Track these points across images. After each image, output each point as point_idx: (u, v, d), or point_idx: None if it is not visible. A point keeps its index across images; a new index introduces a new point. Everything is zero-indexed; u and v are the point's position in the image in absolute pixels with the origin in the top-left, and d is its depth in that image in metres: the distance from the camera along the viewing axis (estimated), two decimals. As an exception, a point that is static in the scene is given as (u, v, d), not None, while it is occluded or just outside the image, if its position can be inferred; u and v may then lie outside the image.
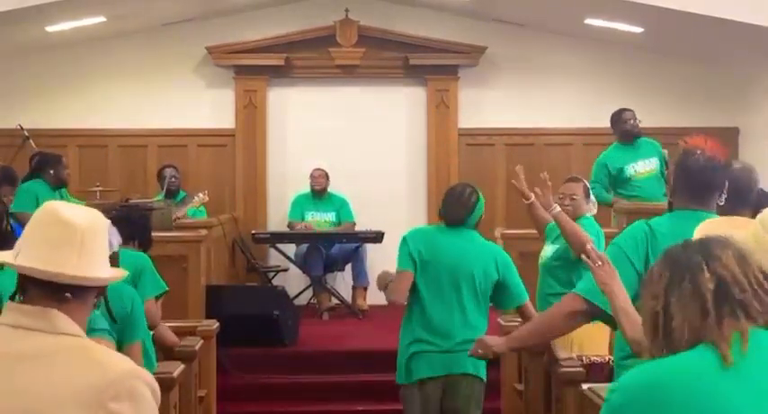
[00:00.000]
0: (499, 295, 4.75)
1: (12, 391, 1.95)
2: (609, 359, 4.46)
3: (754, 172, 3.62)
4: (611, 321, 3.44)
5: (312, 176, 9.44)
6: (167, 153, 9.79)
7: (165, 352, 4.78)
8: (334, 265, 9.23)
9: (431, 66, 9.82)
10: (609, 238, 5.01)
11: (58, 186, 7.65)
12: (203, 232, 7.11)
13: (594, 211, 5.39)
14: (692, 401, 1.80)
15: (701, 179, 3.39)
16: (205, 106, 9.92)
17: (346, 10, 9.70)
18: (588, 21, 9.17)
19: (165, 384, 3.90)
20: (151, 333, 4.54)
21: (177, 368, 4.34)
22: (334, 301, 9.06)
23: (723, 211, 3.37)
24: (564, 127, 9.91)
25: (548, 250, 5.32)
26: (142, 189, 9.46)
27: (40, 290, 2.01)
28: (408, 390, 4.71)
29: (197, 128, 9.88)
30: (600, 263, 3.17)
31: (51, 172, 7.59)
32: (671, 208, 3.50)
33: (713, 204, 3.39)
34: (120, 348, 3.80)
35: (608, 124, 8.12)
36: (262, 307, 7.41)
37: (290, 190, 9.72)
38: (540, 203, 5.33)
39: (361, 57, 9.79)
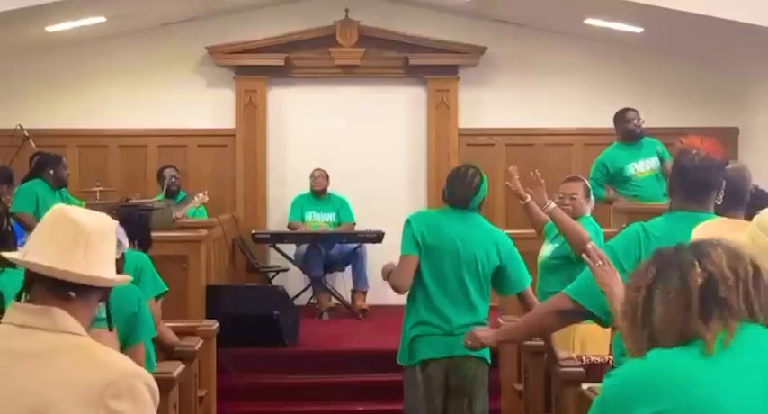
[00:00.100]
0: (500, 280, 4.74)
1: (14, 389, 1.97)
2: (609, 359, 4.46)
3: (747, 171, 3.62)
4: (601, 321, 3.46)
5: (312, 177, 9.44)
6: (167, 153, 9.80)
7: (165, 352, 4.78)
8: (334, 266, 9.24)
9: (431, 66, 9.82)
10: (608, 237, 5.02)
11: (58, 187, 7.66)
12: (203, 232, 7.11)
13: (590, 210, 5.39)
14: (678, 396, 1.81)
15: (696, 178, 3.40)
16: (205, 106, 9.92)
17: (346, 10, 9.70)
18: (588, 21, 9.17)
19: (165, 384, 3.91)
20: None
21: (177, 368, 4.34)
22: (334, 301, 9.07)
23: (719, 211, 3.37)
24: (564, 127, 9.92)
25: (546, 249, 5.33)
26: (142, 189, 9.47)
27: (45, 288, 2.05)
28: (410, 371, 4.70)
29: (197, 128, 9.88)
30: (600, 262, 3.17)
31: (51, 172, 7.59)
32: (671, 209, 3.51)
33: (710, 204, 3.39)
34: (123, 349, 3.81)
35: (608, 124, 8.10)
36: (262, 307, 7.41)
37: (290, 190, 9.72)
38: (535, 201, 5.33)
39: (361, 57, 9.79)
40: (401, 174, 10.00)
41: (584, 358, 4.59)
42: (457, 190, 4.74)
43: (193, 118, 9.86)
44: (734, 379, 1.82)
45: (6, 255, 2.20)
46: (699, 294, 1.86)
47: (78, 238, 2.07)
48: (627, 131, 7.44)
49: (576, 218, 5.19)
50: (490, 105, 9.97)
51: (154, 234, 5.21)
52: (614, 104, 9.10)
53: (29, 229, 4.64)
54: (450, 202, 4.78)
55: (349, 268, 9.24)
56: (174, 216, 7.63)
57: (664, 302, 1.88)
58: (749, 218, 2.58)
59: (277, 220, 9.88)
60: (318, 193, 9.44)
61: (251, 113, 9.89)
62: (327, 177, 9.46)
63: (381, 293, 8.31)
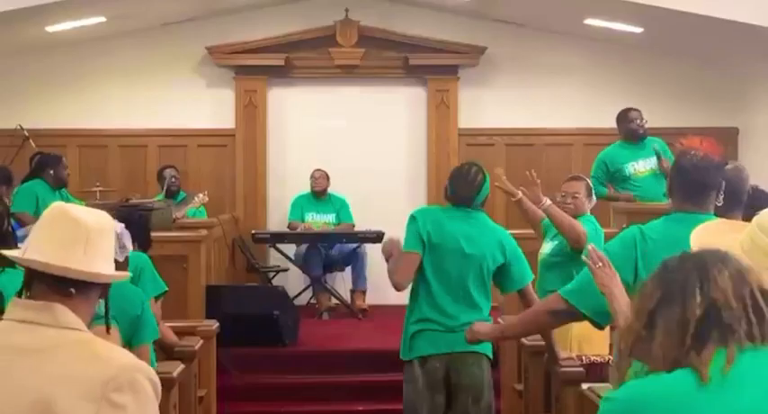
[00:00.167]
0: (502, 277, 4.74)
1: (15, 385, 1.98)
2: (609, 359, 4.47)
3: (745, 171, 3.62)
4: (595, 323, 3.46)
5: (313, 177, 9.44)
6: (167, 153, 9.80)
7: (165, 352, 4.78)
8: (333, 266, 9.24)
9: (431, 66, 9.82)
10: (608, 237, 5.03)
11: (58, 187, 7.66)
12: (203, 232, 7.11)
13: (588, 209, 5.40)
14: None
15: (695, 179, 3.39)
16: (205, 106, 9.92)
17: (346, 10, 9.70)
18: (588, 21, 9.17)
19: (165, 384, 3.89)
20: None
21: (177, 368, 4.34)
22: (334, 301, 9.07)
23: (718, 212, 3.37)
24: (564, 127, 9.92)
25: (546, 247, 5.33)
26: (142, 189, 9.47)
27: (45, 285, 2.06)
28: (410, 366, 4.69)
29: (197, 128, 9.88)
30: (600, 264, 3.17)
31: (51, 172, 7.60)
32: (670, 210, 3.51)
33: (710, 205, 3.38)
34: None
35: (608, 124, 8.10)
36: (262, 307, 7.41)
37: (290, 190, 9.72)
38: (529, 199, 5.33)
39: (361, 57, 9.79)
40: (401, 174, 10.00)
41: (584, 358, 4.59)
42: (460, 188, 4.73)
43: (193, 118, 9.86)
44: (732, 411, 1.79)
45: (6, 253, 2.21)
46: (696, 325, 1.82)
47: (78, 235, 2.08)
48: (629, 131, 7.44)
49: (577, 216, 5.19)
50: (490, 105, 9.97)
51: (154, 234, 5.21)
52: (614, 104, 9.09)
53: (29, 229, 4.64)
54: (452, 200, 4.77)
55: (349, 268, 9.24)
56: (174, 216, 7.63)
57: (664, 332, 1.85)
58: (749, 218, 2.58)
59: (277, 220, 9.88)
60: (318, 193, 9.44)
61: (251, 113, 9.89)
62: (328, 178, 9.46)
63: (381, 293, 8.32)
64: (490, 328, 4.17)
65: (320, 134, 9.92)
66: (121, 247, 3.94)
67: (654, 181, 7.28)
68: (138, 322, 4.04)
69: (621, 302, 3.04)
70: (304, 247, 9.08)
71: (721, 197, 3.39)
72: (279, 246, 9.24)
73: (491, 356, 4.74)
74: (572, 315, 3.49)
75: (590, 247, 3.31)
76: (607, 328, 4.47)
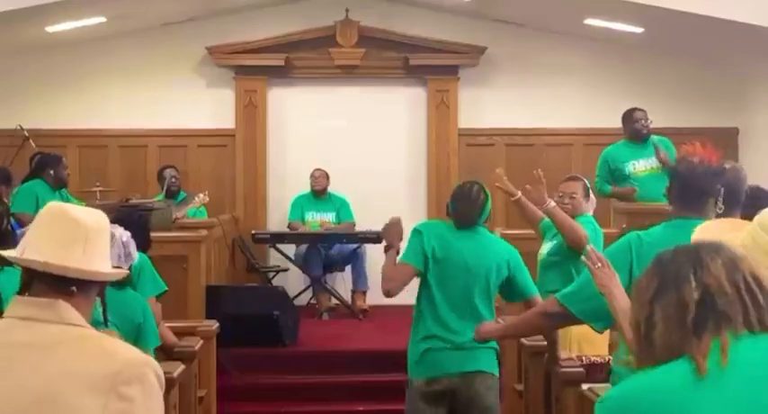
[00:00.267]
0: (507, 289, 4.74)
1: (21, 379, 2.00)
2: (609, 359, 4.47)
3: (743, 171, 3.62)
4: (592, 326, 3.47)
5: (313, 177, 9.44)
6: (167, 153, 9.80)
7: (165, 352, 4.78)
8: (333, 266, 9.24)
9: (431, 66, 9.82)
10: (608, 238, 5.03)
11: (58, 187, 7.66)
12: (203, 232, 7.11)
13: (591, 210, 5.39)
14: None
15: (692, 185, 3.40)
16: (205, 106, 9.92)
17: (346, 10, 9.70)
18: (588, 21, 9.17)
19: (165, 384, 3.90)
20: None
21: (177, 368, 4.34)
22: (334, 301, 9.07)
23: (718, 213, 3.37)
24: (564, 127, 9.92)
25: (545, 247, 5.33)
26: (142, 189, 9.47)
27: (45, 284, 2.08)
28: (418, 386, 4.68)
29: (197, 128, 9.88)
30: (599, 264, 3.17)
31: (51, 172, 7.60)
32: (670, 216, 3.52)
33: (708, 212, 3.37)
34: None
35: (608, 124, 8.11)
36: (262, 307, 7.41)
37: (289, 190, 9.72)
38: (532, 199, 5.32)
39: (361, 57, 9.79)
40: (401, 174, 10.00)
41: (584, 358, 4.59)
42: (463, 210, 4.70)
43: (193, 118, 9.86)
44: (729, 402, 1.78)
45: (4, 253, 2.21)
46: (694, 311, 1.83)
47: (77, 235, 2.10)
48: (634, 131, 7.44)
49: (575, 217, 5.19)
50: (490, 105, 9.97)
51: (154, 234, 5.21)
52: (614, 104, 9.09)
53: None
54: (455, 219, 4.76)
55: (349, 268, 9.24)
56: (174, 216, 7.63)
57: (664, 319, 1.86)
58: (749, 217, 2.58)
59: (277, 220, 9.88)
60: (318, 192, 9.44)
61: (251, 113, 9.89)
62: (327, 177, 9.46)
63: (381, 293, 8.31)
64: (494, 327, 4.28)
65: (320, 134, 9.93)
66: (127, 255, 3.95)
67: (654, 180, 7.27)
68: (140, 330, 4.07)
69: (621, 302, 3.04)
70: (304, 247, 9.08)
71: (720, 203, 3.38)
72: (279, 246, 9.24)
73: (497, 374, 4.74)
74: (566, 318, 3.51)
75: (589, 247, 3.31)
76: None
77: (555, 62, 9.91)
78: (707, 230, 2.75)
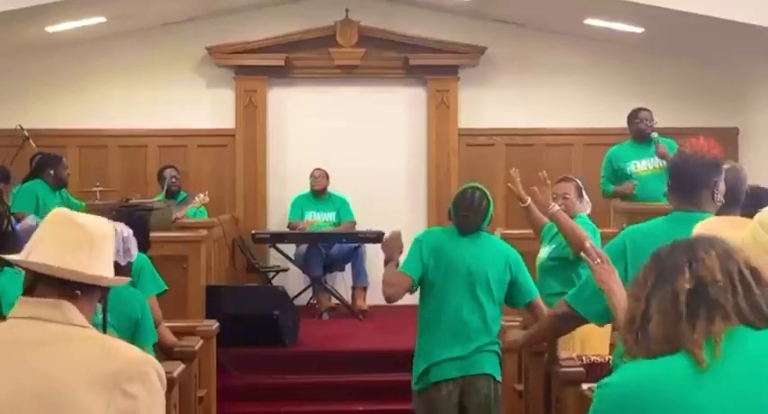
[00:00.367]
0: (510, 293, 4.74)
1: (28, 376, 2.04)
2: (609, 359, 4.46)
3: (742, 171, 3.62)
4: (599, 323, 3.48)
5: (312, 176, 9.44)
6: (167, 153, 9.80)
7: (165, 352, 4.78)
8: (333, 265, 9.24)
9: (431, 66, 9.82)
10: (608, 237, 5.03)
11: (58, 187, 7.67)
12: (203, 232, 7.11)
13: (588, 210, 5.39)
14: (665, 407, 1.80)
15: (686, 177, 3.41)
16: (205, 106, 9.92)
17: (346, 10, 9.70)
18: (588, 21, 9.17)
19: (166, 384, 3.90)
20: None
21: (177, 368, 4.34)
22: (334, 301, 9.06)
23: (716, 212, 3.37)
24: (564, 127, 9.91)
25: (544, 251, 5.32)
26: (142, 189, 9.47)
27: (50, 287, 2.12)
28: (424, 392, 4.67)
29: (197, 128, 9.88)
30: (599, 261, 3.17)
31: (51, 172, 7.60)
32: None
33: (705, 204, 3.37)
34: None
35: (608, 124, 8.10)
36: (262, 307, 7.41)
37: (289, 190, 9.72)
38: (538, 202, 5.31)
39: (361, 57, 9.79)
40: (401, 174, 10.00)
41: (584, 358, 4.58)
42: (466, 217, 4.70)
43: (193, 118, 9.86)
44: (726, 393, 1.80)
45: (10, 257, 2.26)
46: (686, 302, 1.85)
47: (83, 240, 2.15)
48: (638, 131, 7.45)
49: (570, 217, 5.18)
50: (490, 105, 9.97)
51: (154, 234, 5.21)
52: (614, 104, 9.11)
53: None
54: (458, 226, 4.75)
55: (349, 267, 9.24)
56: (174, 216, 7.63)
57: (659, 312, 1.87)
58: (750, 217, 2.58)
59: (277, 220, 9.88)
60: (318, 192, 9.44)
61: (251, 113, 9.89)
62: (327, 177, 9.46)
63: (381, 293, 8.31)
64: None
65: (320, 134, 9.93)
66: (126, 250, 3.95)
67: (655, 180, 7.27)
68: (137, 326, 4.07)
69: (620, 298, 3.05)
70: (304, 247, 9.08)
71: (718, 196, 3.38)
72: (279, 246, 9.24)
73: (500, 379, 4.75)
74: (575, 318, 3.54)
75: (588, 244, 3.31)
76: (607, 328, 4.49)
77: (555, 62, 9.91)
78: (707, 227, 2.75)
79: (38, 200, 7.29)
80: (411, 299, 4.81)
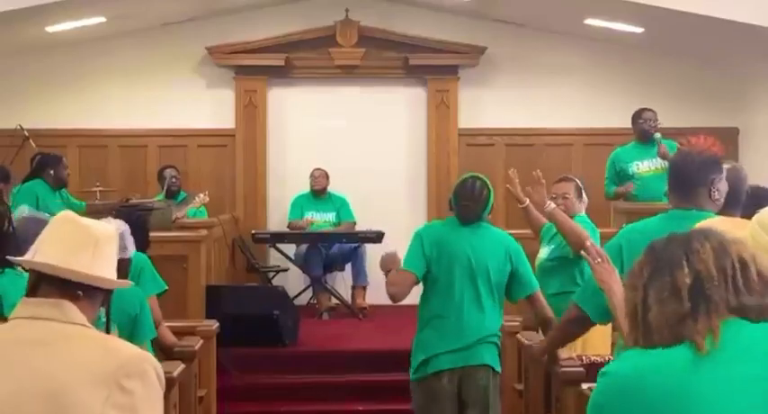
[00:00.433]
0: (510, 285, 4.74)
1: (29, 374, 2.07)
2: (609, 359, 4.46)
3: (743, 171, 3.62)
4: (603, 322, 3.49)
5: (312, 176, 9.44)
6: (167, 153, 9.80)
7: (165, 352, 4.78)
8: (333, 265, 9.24)
9: (431, 66, 9.82)
10: (607, 237, 5.02)
11: (58, 187, 7.67)
12: (203, 232, 7.11)
13: (583, 209, 5.39)
14: (665, 397, 1.82)
15: (683, 174, 3.40)
16: (205, 106, 9.92)
17: (346, 10, 9.70)
18: (588, 21, 9.17)
19: (165, 384, 3.90)
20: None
21: (177, 368, 4.34)
22: (334, 301, 9.06)
23: (717, 205, 3.37)
24: (564, 127, 9.91)
25: (543, 251, 5.32)
26: (142, 189, 9.47)
27: (53, 287, 2.16)
28: (422, 382, 4.68)
29: (197, 128, 9.88)
30: (599, 260, 3.18)
31: (51, 172, 7.60)
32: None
33: (703, 202, 3.36)
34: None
35: (608, 124, 8.09)
36: (262, 307, 7.41)
37: (289, 190, 9.72)
38: (534, 201, 5.31)
39: (361, 57, 9.79)
40: (401, 174, 10.00)
41: (584, 358, 4.59)
42: (467, 207, 4.70)
43: (193, 118, 9.86)
44: (725, 384, 1.82)
45: (16, 259, 2.31)
46: (688, 295, 1.87)
47: (87, 241, 2.19)
48: (641, 131, 7.47)
49: (570, 217, 5.18)
50: (490, 105, 9.97)
51: (154, 234, 5.21)
52: (614, 104, 9.11)
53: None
54: (459, 216, 4.75)
55: (348, 267, 9.24)
56: (174, 216, 7.63)
57: (658, 302, 1.89)
58: (749, 217, 2.58)
59: (277, 220, 9.88)
60: (318, 192, 9.44)
61: (251, 113, 9.89)
62: (327, 177, 9.46)
63: (382, 293, 8.28)
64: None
65: (320, 134, 9.93)
66: (122, 247, 3.95)
67: (656, 180, 7.28)
68: (135, 321, 4.07)
69: (620, 298, 3.04)
70: (304, 247, 9.08)
71: (716, 194, 3.37)
72: (279, 246, 9.24)
73: (499, 370, 4.75)
74: (585, 319, 3.54)
75: (588, 243, 3.32)
76: (608, 328, 4.49)
77: (555, 62, 9.91)
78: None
79: (38, 200, 7.29)
80: (411, 299, 4.81)
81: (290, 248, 9.24)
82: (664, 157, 7.07)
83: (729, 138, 9.53)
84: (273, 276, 9.30)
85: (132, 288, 4.12)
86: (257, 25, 9.80)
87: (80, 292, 2.16)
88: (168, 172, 9.20)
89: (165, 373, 4.04)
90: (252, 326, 7.18)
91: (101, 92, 9.78)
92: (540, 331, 4.82)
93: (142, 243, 4.96)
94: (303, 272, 9.18)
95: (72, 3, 8.13)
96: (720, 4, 7.67)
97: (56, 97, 9.77)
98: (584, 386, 4.04)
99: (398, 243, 5.38)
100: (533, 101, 9.91)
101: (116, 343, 2.20)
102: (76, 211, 2.36)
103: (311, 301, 9.12)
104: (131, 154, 9.89)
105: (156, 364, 2.16)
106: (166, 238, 6.57)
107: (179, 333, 5.08)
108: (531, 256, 5.30)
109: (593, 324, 3.67)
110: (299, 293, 9.06)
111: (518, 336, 5.19)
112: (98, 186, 8.64)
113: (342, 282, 9.31)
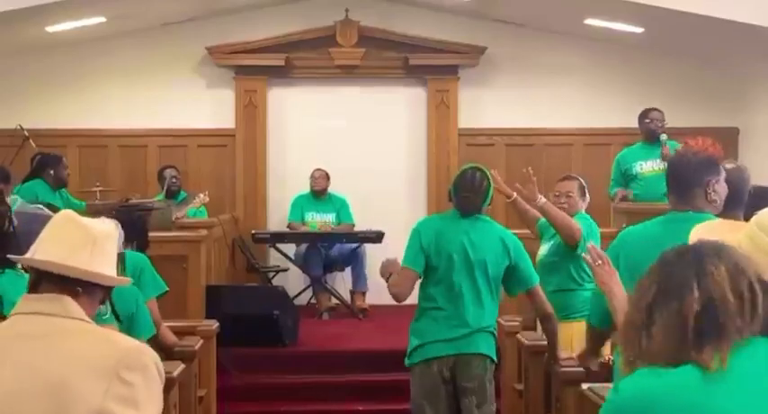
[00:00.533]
0: (509, 280, 4.74)
1: (31, 367, 2.10)
2: (609, 359, 4.46)
3: (746, 171, 3.60)
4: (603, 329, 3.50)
5: (313, 177, 9.44)
6: (167, 153, 9.80)
7: (165, 352, 4.78)
8: (333, 266, 9.24)
9: (431, 66, 9.82)
10: (607, 237, 5.03)
11: (58, 187, 7.67)
12: (203, 232, 7.11)
13: (584, 208, 5.39)
14: None
15: (680, 175, 3.39)
16: (205, 106, 9.92)
17: (346, 10, 9.70)
18: (588, 21, 9.17)
19: (165, 384, 3.90)
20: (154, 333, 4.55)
21: (177, 368, 4.34)
22: (334, 301, 9.06)
23: (720, 212, 3.36)
24: (564, 127, 9.91)
25: (543, 249, 5.33)
26: (142, 189, 9.46)
27: (53, 284, 2.19)
28: (416, 368, 4.69)
29: (197, 128, 9.88)
30: (600, 262, 3.17)
31: (51, 172, 7.60)
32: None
33: (700, 203, 3.34)
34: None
35: (608, 124, 8.07)
36: (262, 307, 7.41)
37: (289, 190, 9.72)
38: (524, 197, 5.31)
39: (361, 57, 9.79)
40: (401, 174, 10.00)
41: (584, 358, 4.58)
42: (467, 196, 4.70)
43: (193, 118, 9.86)
44: (741, 401, 1.79)
45: (17, 258, 2.35)
46: (694, 322, 1.81)
47: (87, 239, 2.23)
48: (647, 131, 7.46)
49: (572, 215, 5.19)
50: (490, 105, 9.97)
51: (154, 234, 5.22)
52: (614, 104, 9.10)
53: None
54: (458, 207, 4.75)
55: (349, 268, 9.24)
56: (174, 216, 7.63)
57: (662, 327, 1.84)
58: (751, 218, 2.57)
59: (277, 220, 9.88)
60: (318, 193, 9.44)
61: (251, 113, 9.89)
62: (328, 177, 9.46)
63: (381, 293, 8.31)
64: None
65: (320, 134, 9.93)
66: None
67: (659, 181, 7.25)
68: (132, 319, 4.08)
69: (621, 300, 3.04)
70: (304, 247, 9.07)
71: (713, 195, 3.34)
72: (279, 246, 9.24)
73: (495, 359, 4.74)
74: (598, 332, 3.55)
75: (590, 245, 3.32)
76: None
77: (555, 62, 9.91)
78: (706, 230, 2.75)
79: (38, 200, 7.28)
80: (411, 299, 4.81)
81: (290, 248, 9.24)
82: (665, 158, 7.07)
83: (729, 138, 9.53)
84: (273, 276, 9.30)
85: (128, 286, 4.13)
86: (257, 25, 9.80)
87: (80, 289, 2.20)
88: (168, 172, 9.20)
89: (165, 373, 4.05)
90: (252, 326, 7.18)
91: (101, 92, 9.78)
92: (540, 326, 4.83)
93: (142, 244, 4.97)
94: (303, 272, 9.18)
95: (72, 3, 8.13)
96: (720, 4, 7.67)
97: (56, 97, 9.77)
98: (584, 386, 4.05)
99: (398, 243, 5.37)
100: (533, 101, 9.91)
101: (116, 336, 2.23)
102: (77, 212, 2.38)
103: (311, 302, 9.12)
104: (131, 154, 9.89)
105: (155, 357, 2.20)
106: (166, 238, 6.57)
107: (179, 333, 5.09)
108: (532, 256, 5.30)
109: (606, 336, 3.66)
110: (299, 293, 9.06)
111: (518, 336, 5.20)
112: (98, 186, 8.64)
113: (342, 282, 9.31)
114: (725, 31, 8.05)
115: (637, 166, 7.42)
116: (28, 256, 2.24)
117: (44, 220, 2.40)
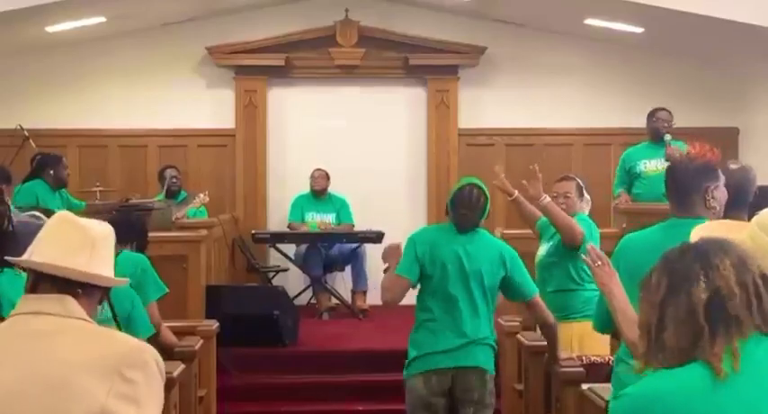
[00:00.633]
0: (506, 290, 4.73)
1: (32, 365, 2.10)
2: (609, 359, 4.47)
3: (752, 171, 3.58)
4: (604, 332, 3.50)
5: (313, 177, 9.44)
6: (167, 153, 9.80)
7: (165, 352, 4.77)
8: (333, 266, 9.24)
9: (431, 66, 9.82)
10: (608, 238, 5.03)
11: (58, 187, 7.66)
12: (203, 232, 7.11)
13: (587, 209, 5.39)
14: None
15: (678, 181, 3.37)
16: (205, 106, 9.92)
17: (346, 10, 9.70)
18: (588, 21, 9.17)
19: (165, 384, 3.90)
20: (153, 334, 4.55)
21: (177, 368, 4.34)
22: (334, 301, 9.06)
23: (725, 211, 3.35)
24: (564, 127, 9.92)
25: (542, 249, 5.32)
26: (142, 189, 9.47)
27: (52, 285, 2.20)
28: (413, 380, 4.68)
29: (197, 128, 9.88)
30: (600, 262, 3.17)
31: (51, 172, 7.59)
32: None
33: (699, 210, 3.31)
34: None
35: (608, 124, 8.05)
36: (262, 307, 7.41)
37: (290, 190, 9.72)
38: (530, 195, 5.31)
39: (361, 57, 9.79)
40: (401, 174, 10.00)
41: (584, 358, 4.59)
42: (464, 213, 4.67)
43: (193, 118, 9.86)
44: (746, 404, 1.78)
45: (15, 260, 2.33)
46: (704, 314, 1.82)
47: (85, 241, 2.23)
48: (653, 130, 7.47)
49: (571, 216, 5.18)
50: (490, 105, 9.97)
51: (154, 234, 5.22)
52: (614, 104, 9.10)
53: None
54: (455, 223, 4.73)
55: (349, 268, 9.24)
56: (174, 216, 7.64)
57: (674, 321, 1.84)
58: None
59: (277, 220, 9.88)
60: (318, 193, 9.44)
61: (251, 113, 9.89)
62: (328, 177, 9.46)
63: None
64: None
65: (320, 134, 9.93)
66: None
67: (661, 180, 7.26)
68: (129, 319, 4.09)
69: (621, 300, 3.04)
70: (304, 247, 9.08)
71: (711, 202, 3.31)
72: (279, 246, 9.24)
73: (493, 372, 4.73)
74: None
75: (589, 246, 3.31)
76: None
77: (555, 62, 9.91)
78: (706, 231, 2.74)
79: (38, 200, 7.28)
80: (411, 299, 4.81)
81: (290, 248, 9.25)
82: (668, 159, 7.06)
83: (729, 138, 9.54)
84: (273, 276, 9.31)
85: (124, 287, 4.13)
86: (257, 25, 9.80)
87: (79, 290, 2.21)
88: (168, 172, 9.21)
89: (165, 373, 4.05)
90: (252, 326, 7.19)
91: (101, 92, 9.78)
92: (542, 334, 4.81)
93: (141, 244, 4.97)
94: (303, 272, 9.18)
95: (72, 3, 8.14)
96: (720, 4, 7.67)
97: (56, 97, 9.77)
98: (584, 386, 4.05)
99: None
100: (533, 101, 9.91)
101: (116, 335, 2.24)
102: (76, 212, 2.39)
103: (311, 302, 9.12)
104: (131, 154, 9.90)
105: (156, 355, 2.22)
106: (166, 238, 6.57)
107: (179, 333, 5.09)
108: (532, 256, 5.31)
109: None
110: (299, 293, 9.07)
111: (518, 336, 5.20)
112: (98, 186, 8.63)
113: (342, 282, 9.32)
114: (725, 31, 8.05)
115: (641, 165, 7.43)
116: (25, 257, 2.24)
117: (36, 230, 2.39)
